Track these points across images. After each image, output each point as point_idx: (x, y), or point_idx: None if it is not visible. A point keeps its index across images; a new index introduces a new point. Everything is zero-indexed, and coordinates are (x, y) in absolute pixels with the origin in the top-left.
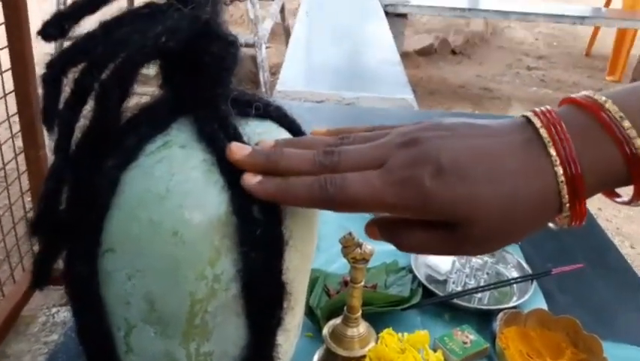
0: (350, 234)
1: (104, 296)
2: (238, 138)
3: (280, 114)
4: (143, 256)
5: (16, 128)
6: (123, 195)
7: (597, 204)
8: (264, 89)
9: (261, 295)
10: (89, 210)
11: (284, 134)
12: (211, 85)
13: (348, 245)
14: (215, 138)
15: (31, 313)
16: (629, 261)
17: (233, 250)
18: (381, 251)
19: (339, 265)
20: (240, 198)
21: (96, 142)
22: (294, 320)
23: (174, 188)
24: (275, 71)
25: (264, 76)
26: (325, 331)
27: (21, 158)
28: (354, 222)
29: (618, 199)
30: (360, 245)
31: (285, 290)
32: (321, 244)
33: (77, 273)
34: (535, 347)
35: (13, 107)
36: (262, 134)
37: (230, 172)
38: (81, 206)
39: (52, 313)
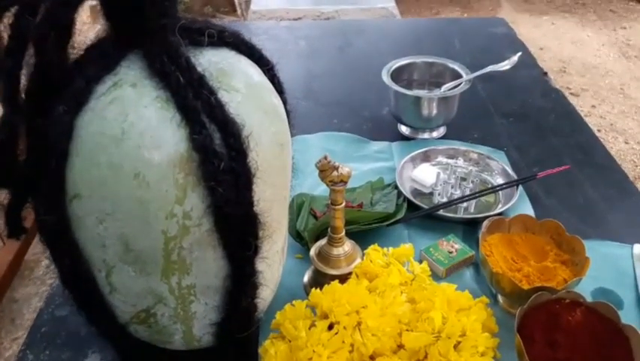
0: (325, 157)
1: (79, 241)
2: (191, 69)
3: (238, 41)
4: (109, 200)
5: None
6: (80, 141)
7: (590, 102)
8: (239, 11)
9: (234, 227)
10: (48, 158)
11: (244, 62)
12: (156, 15)
13: (325, 169)
14: (167, 72)
15: (35, 257)
16: (622, 156)
17: (200, 186)
18: (367, 170)
19: (325, 188)
20: (200, 133)
21: (43, 88)
22: (273, 247)
23: (129, 129)
24: None
25: None
26: (312, 252)
27: None
28: (337, 144)
29: None
30: (336, 168)
31: (259, 221)
32: (306, 169)
33: (46, 220)
34: (519, 252)
35: None
36: (219, 63)
37: (186, 107)
38: (39, 155)
39: None
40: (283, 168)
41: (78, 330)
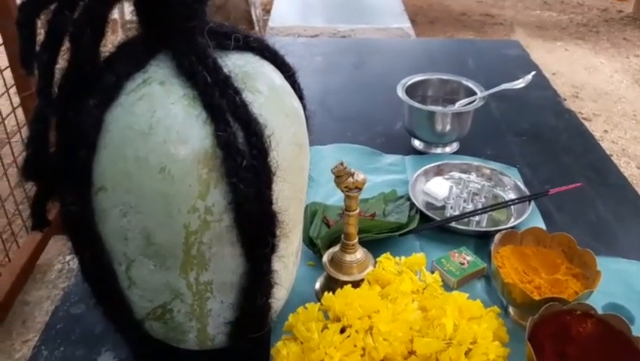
0: (342, 164)
1: (102, 233)
2: (218, 70)
3: (262, 46)
4: (134, 193)
5: (10, 82)
6: (108, 135)
7: (603, 127)
8: (257, 28)
9: (253, 224)
10: (76, 150)
11: (267, 67)
12: (185, 17)
13: (341, 175)
14: (194, 71)
15: (48, 261)
16: (634, 181)
17: (222, 182)
18: (380, 182)
19: (338, 198)
20: (224, 131)
21: (76, 82)
22: (289, 247)
23: (156, 124)
24: (269, 8)
25: (255, 13)
26: (325, 258)
27: (20, 112)
28: (350, 156)
29: None
30: (352, 174)
31: (277, 219)
32: (320, 179)
33: (72, 212)
34: (531, 265)
35: (4, 61)
36: (244, 66)
37: (212, 105)
38: (68, 147)
39: (67, 261)
40: (301, 169)
41: (92, 328)
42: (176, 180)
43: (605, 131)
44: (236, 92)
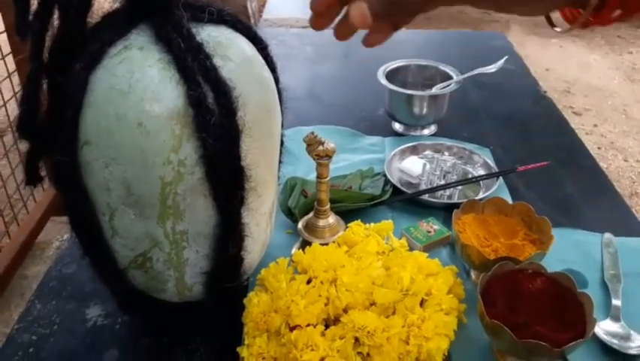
0: (312, 133)
1: (87, 185)
2: (191, 38)
3: (235, 20)
4: (115, 146)
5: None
6: (92, 94)
7: (593, 121)
8: (252, 20)
9: (223, 177)
10: (64, 109)
11: (239, 38)
12: None
13: (312, 143)
14: (170, 39)
15: (47, 239)
16: (620, 173)
17: (193, 137)
18: (359, 161)
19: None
20: (195, 91)
21: (64, 48)
22: (258, 202)
23: (135, 84)
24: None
25: (251, 6)
26: (300, 224)
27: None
28: (333, 137)
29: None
30: (322, 143)
31: (244, 173)
32: (301, 157)
33: (61, 164)
34: (491, 231)
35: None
36: (217, 37)
37: (185, 68)
38: (57, 106)
39: (65, 239)
40: (270, 133)
41: (83, 286)
42: (152, 135)
43: (595, 125)
44: (207, 57)
